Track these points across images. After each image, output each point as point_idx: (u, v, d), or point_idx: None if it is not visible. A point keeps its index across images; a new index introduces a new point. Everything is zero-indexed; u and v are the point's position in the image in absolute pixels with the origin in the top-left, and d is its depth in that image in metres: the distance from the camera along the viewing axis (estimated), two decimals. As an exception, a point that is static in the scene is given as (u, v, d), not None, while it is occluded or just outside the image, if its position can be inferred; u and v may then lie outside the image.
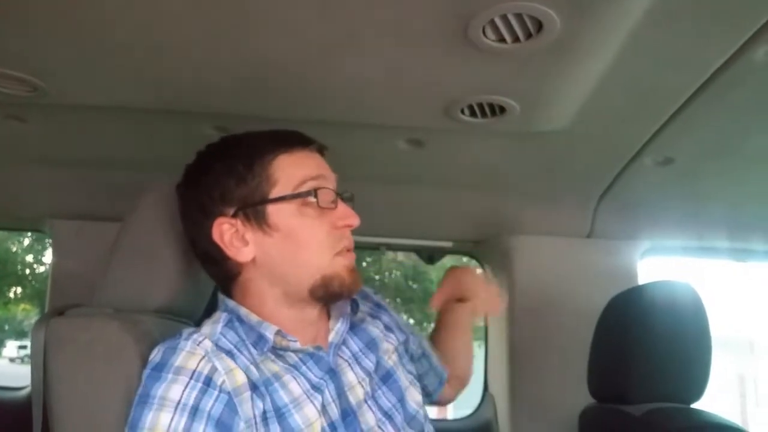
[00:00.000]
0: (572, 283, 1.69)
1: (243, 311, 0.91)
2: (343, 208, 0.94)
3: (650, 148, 1.30)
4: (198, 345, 0.84)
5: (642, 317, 1.18)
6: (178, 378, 0.80)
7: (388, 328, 1.08)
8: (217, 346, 0.85)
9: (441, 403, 1.32)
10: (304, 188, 0.91)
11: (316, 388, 0.88)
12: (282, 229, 0.90)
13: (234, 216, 0.91)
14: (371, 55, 0.97)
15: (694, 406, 1.17)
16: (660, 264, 1.92)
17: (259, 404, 0.82)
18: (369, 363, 0.98)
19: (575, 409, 1.29)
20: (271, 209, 0.90)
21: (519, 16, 0.85)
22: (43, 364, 0.90)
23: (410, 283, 7.26)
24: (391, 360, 1.02)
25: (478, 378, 1.94)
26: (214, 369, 0.81)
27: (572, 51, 0.93)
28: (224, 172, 0.92)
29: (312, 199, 0.91)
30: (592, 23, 0.87)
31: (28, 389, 1.83)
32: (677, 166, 1.37)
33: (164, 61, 1.00)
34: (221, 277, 0.96)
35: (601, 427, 1.23)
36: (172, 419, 0.77)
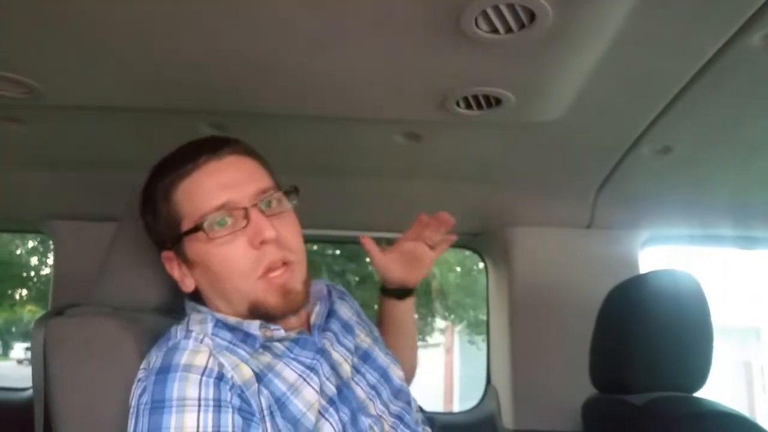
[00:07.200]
0: (573, 274, 1.69)
1: (220, 315, 0.90)
2: (255, 222, 0.85)
3: (648, 137, 1.30)
4: (201, 342, 0.83)
5: (643, 307, 1.18)
6: (190, 376, 0.77)
7: (357, 314, 1.10)
8: (215, 343, 0.85)
9: None
10: (201, 220, 0.85)
11: (311, 368, 0.88)
12: (198, 263, 0.89)
13: (171, 249, 0.92)
14: (362, 48, 0.97)
15: (697, 394, 1.17)
16: (664, 253, 1.92)
17: (265, 393, 0.82)
18: (348, 343, 0.99)
19: (578, 399, 1.29)
20: (186, 243, 0.89)
21: (511, 7, 0.85)
22: (43, 363, 0.90)
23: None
24: (365, 342, 1.03)
25: (481, 370, 1.94)
26: (222, 365, 0.80)
27: (566, 41, 0.93)
28: (145, 211, 0.94)
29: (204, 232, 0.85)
30: (585, 12, 0.86)
31: (31, 390, 1.84)
32: (676, 154, 1.37)
33: (157, 60, 1.00)
34: (198, 297, 0.95)
35: (604, 417, 1.23)
36: (198, 417, 0.74)
